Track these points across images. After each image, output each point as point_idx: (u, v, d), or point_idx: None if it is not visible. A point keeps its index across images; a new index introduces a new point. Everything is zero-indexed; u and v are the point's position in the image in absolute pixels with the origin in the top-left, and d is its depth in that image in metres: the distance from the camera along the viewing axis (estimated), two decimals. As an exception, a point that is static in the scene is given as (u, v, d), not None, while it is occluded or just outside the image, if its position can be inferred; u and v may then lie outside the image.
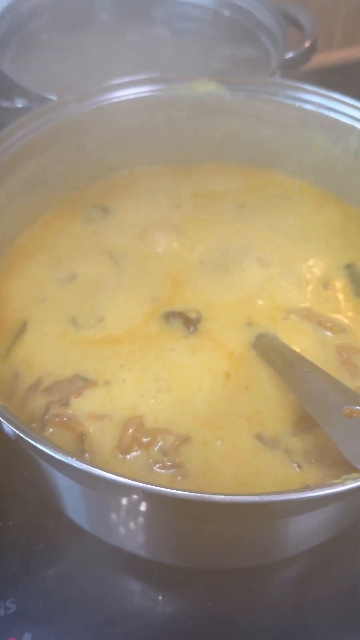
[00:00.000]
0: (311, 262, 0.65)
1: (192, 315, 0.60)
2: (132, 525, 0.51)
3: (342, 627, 0.58)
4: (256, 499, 0.36)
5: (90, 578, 0.59)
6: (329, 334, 0.58)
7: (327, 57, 1.28)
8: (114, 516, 0.51)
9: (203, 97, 0.71)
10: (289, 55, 0.87)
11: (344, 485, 0.37)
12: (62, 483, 0.50)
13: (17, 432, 0.40)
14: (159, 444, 0.51)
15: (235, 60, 0.92)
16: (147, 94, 0.70)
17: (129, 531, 0.53)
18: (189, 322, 0.58)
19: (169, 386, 0.55)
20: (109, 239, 0.67)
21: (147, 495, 0.38)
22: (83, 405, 0.54)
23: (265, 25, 0.94)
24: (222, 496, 0.36)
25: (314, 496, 0.36)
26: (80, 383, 0.55)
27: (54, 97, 0.73)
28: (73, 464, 0.37)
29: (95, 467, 0.37)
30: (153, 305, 0.61)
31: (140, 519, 0.50)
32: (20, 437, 0.41)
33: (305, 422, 0.52)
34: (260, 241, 0.67)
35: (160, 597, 0.59)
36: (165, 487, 0.36)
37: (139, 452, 0.50)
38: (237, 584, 0.59)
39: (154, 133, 0.74)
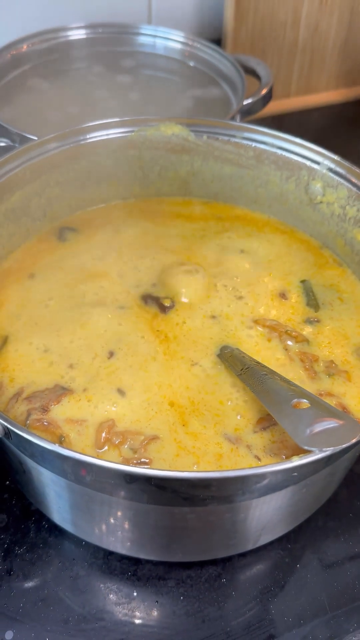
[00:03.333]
0: (271, 279, 0.73)
1: (167, 303, 0.67)
2: (110, 519, 0.56)
3: (304, 617, 0.62)
4: (216, 474, 0.41)
5: (69, 577, 0.63)
6: (291, 343, 0.65)
7: (285, 104, 1.40)
8: (94, 511, 0.55)
9: (170, 138, 0.79)
10: (248, 101, 0.97)
11: (291, 462, 0.43)
12: (46, 480, 0.54)
13: (8, 425, 0.45)
14: (129, 442, 0.56)
15: (198, 103, 1.02)
16: (120, 135, 0.77)
17: (108, 526, 0.57)
18: (163, 308, 0.67)
19: (142, 392, 0.60)
20: (83, 260, 0.74)
21: (123, 477, 0.43)
22: (61, 411, 0.59)
23: (226, 74, 1.04)
24: (188, 473, 0.41)
25: (266, 472, 0.42)
26: (60, 391, 0.60)
27: (34, 137, 0.80)
28: (58, 451, 0.42)
29: (78, 453, 0.42)
30: (128, 317, 0.67)
31: (118, 512, 0.54)
32: (10, 430, 0.46)
33: (264, 421, 0.58)
34: (225, 263, 0.74)
35: (135, 593, 0.63)
36: (139, 467, 0.42)
37: (111, 451, 0.56)
38: (207, 579, 0.64)
39: (126, 170, 0.81)
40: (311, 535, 0.68)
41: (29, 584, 0.63)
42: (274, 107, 1.35)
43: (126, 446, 0.56)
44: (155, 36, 1.10)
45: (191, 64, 1.10)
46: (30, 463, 0.53)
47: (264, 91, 1.00)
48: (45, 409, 0.59)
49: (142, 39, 1.11)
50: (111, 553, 0.65)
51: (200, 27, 1.32)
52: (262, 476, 0.43)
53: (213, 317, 0.68)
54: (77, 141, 0.75)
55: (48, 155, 0.73)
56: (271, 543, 0.66)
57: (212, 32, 1.30)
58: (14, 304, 0.69)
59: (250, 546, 0.62)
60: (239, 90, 0.97)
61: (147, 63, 1.10)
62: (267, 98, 1.01)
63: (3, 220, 0.71)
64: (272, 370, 0.57)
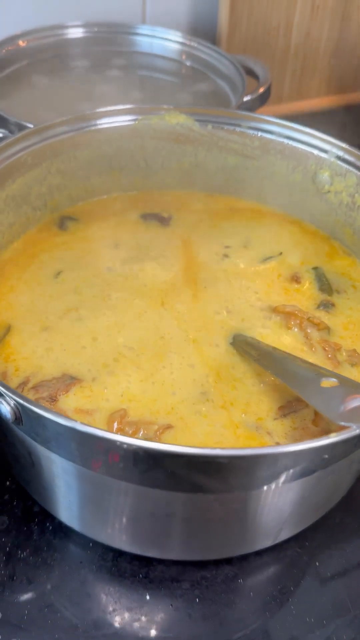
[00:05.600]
0: (282, 267, 0.71)
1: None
2: (124, 511, 0.52)
3: (326, 617, 0.59)
4: (249, 451, 0.38)
5: (77, 581, 0.59)
6: (311, 330, 0.63)
7: (277, 110, 1.40)
8: (106, 502, 0.52)
9: (174, 127, 0.77)
10: (247, 98, 0.96)
11: (328, 438, 0.40)
12: (56, 470, 0.51)
13: (24, 402, 0.41)
14: (142, 431, 0.53)
15: (197, 101, 1.01)
16: (122, 124, 0.76)
17: (120, 519, 0.54)
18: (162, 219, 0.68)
19: (153, 381, 0.57)
20: (85, 249, 0.72)
21: (142, 454, 0.40)
22: (70, 401, 0.56)
23: (224, 73, 1.04)
24: (219, 450, 0.38)
25: (303, 449, 0.39)
26: (69, 381, 0.57)
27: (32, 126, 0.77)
28: (76, 427, 0.39)
29: (95, 428, 0.39)
30: (132, 308, 0.65)
31: (133, 502, 0.51)
32: (23, 413, 0.42)
33: (285, 409, 0.55)
34: (232, 253, 0.72)
35: (147, 597, 0.59)
36: (160, 443, 0.39)
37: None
38: (223, 580, 0.60)
39: (129, 160, 0.79)
40: (329, 533, 0.65)
41: (34, 590, 0.59)
42: (266, 112, 1.35)
43: (140, 435, 0.53)
44: (152, 36, 1.10)
45: (188, 63, 1.09)
46: (41, 451, 0.49)
47: (262, 89, 0.99)
48: (53, 399, 0.55)
49: (139, 39, 1.10)
50: (121, 554, 0.61)
51: (193, 32, 1.32)
52: (296, 454, 0.40)
53: (225, 306, 0.65)
54: (79, 128, 0.73)
55: (50, 141, 0.71)
56: (287, 541, 0.63)
57: (206, 36, 1.30)
58: (16, 293, 0.66)
59: (270, 542, 0.59)
60: (239, 88, 0.97)
61: (143, 62, 1.09)
62: (265, 96, 1.00)
63: (3, 207, 0.68)
64: (291, 354, 0.55)
